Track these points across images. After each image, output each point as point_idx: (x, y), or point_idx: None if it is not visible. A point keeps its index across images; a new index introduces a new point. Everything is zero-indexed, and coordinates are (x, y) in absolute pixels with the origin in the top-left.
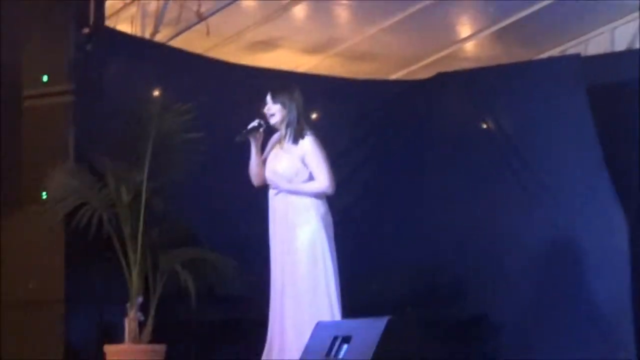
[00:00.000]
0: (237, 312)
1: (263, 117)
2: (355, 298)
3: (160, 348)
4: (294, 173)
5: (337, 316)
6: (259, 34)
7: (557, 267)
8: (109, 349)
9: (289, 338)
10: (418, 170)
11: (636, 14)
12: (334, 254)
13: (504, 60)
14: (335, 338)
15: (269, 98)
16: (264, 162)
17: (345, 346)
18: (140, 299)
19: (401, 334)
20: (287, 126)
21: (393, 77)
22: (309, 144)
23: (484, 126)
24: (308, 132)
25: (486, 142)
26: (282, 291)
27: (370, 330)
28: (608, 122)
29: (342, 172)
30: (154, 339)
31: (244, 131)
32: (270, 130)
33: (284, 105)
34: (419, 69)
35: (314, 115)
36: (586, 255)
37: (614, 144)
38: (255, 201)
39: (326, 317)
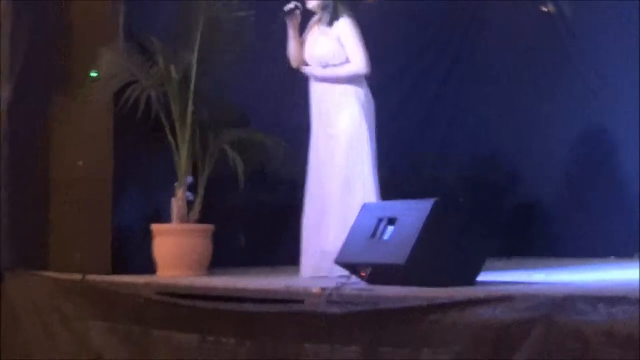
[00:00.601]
0: (285, 196)
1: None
2: (407, 182)
3: (208, 228)
4: (331, 55)
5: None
6: None
7: (615, 155)
8: (156, 227)
9: (332, 220)
10: (473, 56)
11: None
12: (374, 140)
13: None
14: (380, 219)
15: None
16: (302, 44)
17: (390, 227)
18: (189, 179)
19: (447, 217)
20: (324, 9)
21: None
22: (343, 25)
23: (544, 9)
24: (344, 14)
25: (545, 28)
26: (322, 175)
27: (415, 212)
28: None
29: (399, 60)
30: (202, 219)
31: (280, 14)
32: (309, 13)
33: None
34: None
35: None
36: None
37: None
38: (305, 84)
39: (358, 202)
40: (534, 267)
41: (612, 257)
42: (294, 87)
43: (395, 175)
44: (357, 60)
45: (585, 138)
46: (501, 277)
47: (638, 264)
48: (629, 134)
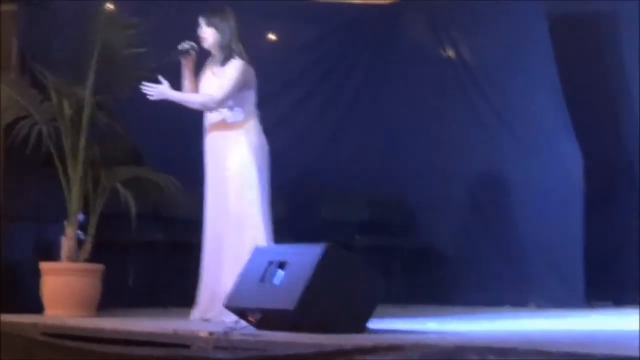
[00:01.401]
0: (178, 234)
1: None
2: (304, 222)
3: (97, 268)
4: None
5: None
6: None
7: (509, 200)
8: (44, 265)
9: (227, 263)
10: (374, 96)
11: None
12: (265, 184)
13: None
14: (271, 263)
15: (201, 20)
16: (197, 84)
17: (280, 272)
18: (80, 217)
19: (339, 262)
20: (220, 50)
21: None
22: (231, 66)
23: (444, 54)
24: (236, 56)
25: (445, 71)
26: (217, 214)
27: (307, 256)
28: (569, 56)
29: (297, 93)
30: (93, 258)
31: (173, 52)
32: (205, 53)
33: (216, 28)
34: None
35: (272, 37)
36: (540, 191)
37: (575, 79)
38: (200, 122)
39: (250, 244)
40: (428, 315)
41: (507, 305)
42: (189, 124)
43: (291, 215)
44: (215, 94)
45: (483, 184)
46: (394, 325)
47: (531, 312)
48: (525, 182)
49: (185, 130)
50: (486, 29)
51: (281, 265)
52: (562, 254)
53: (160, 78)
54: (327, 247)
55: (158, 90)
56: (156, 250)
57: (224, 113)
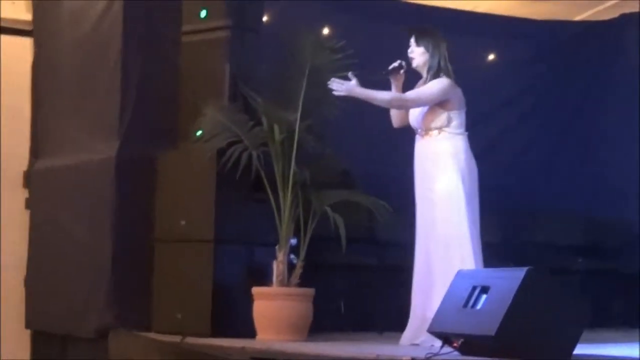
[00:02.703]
0: (391, 258)
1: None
2: (521, 247)
3: (309, 292)
4: (431, 119)
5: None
6: None
7: None
8: (256, 290)
9: (436, 287)
10: (594, 116)
11: None
12: (474, 207)
13: None
14: (474, 288)
15: (412, 40)
16: None
17: (483, 296)
18: (293, 241)
19: (541, 286)
20: (429, 70)
21: (576, 18)
22: (434, 81)
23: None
24: (443, 75)
25: None
26: (425, 237)
27: (508, 281)
28: None
29: (513, 114)
30: (303, 283)
31: (384, 71)
32: (414, 72)
33: (426, 48)
34: (603, 10)
35: (490, 57)
36: None
37: None
38: (411, 144)
39: (458, 267)
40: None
41: None
42: (399, 146)
43: (509, 238)
44: (411, 93)
45: None
46: (609, 351)
47: None
48: None
49: (395, 152)
50: None
51: (484, 290)
52: None
53: (350, 75)
54: (528, 272)
55: (346, 86)
56: (368, 274)
57: (432, 134)
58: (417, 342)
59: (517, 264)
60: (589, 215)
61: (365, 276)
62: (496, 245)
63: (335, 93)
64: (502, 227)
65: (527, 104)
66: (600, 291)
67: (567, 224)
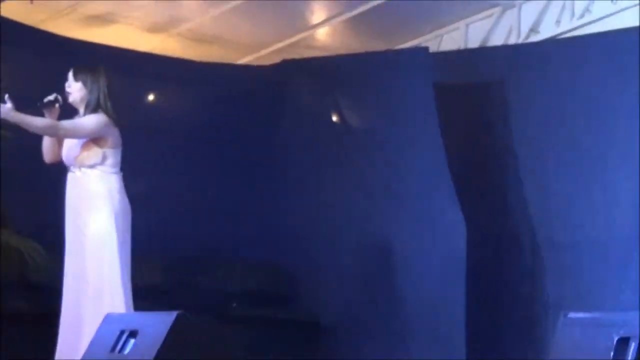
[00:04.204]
0: (45, 306)
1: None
2: (180, 292)
3: None
4: (85, 155)
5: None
6: (95, 7)
7: (393, 270)
8: None
9: (86, 336)
10: (257, 162)
11: (491, 11)
12: (127, 251)
13: (356, 51)
14: (122, 332)
15: (70, 75)
16: (60, 140)
17: (132, 341)
18: None
19: (191, 331)
20: (86, 107)
21: (240, 62)
22: (90, 116)
23: (331, 118)
24: (101, 111)
25: (332, 136)
26: (75, 280)
27: (157, 325)
28: (456, 121)
29: (178, 158)
30: None
31: (39, 103)
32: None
33: (85, 84)
34: (267, 55)
35: (151, 97)
36: (422, 260)
37: (460, 144)
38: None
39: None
40: None
41: None
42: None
43: (169, 284)
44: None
45: (367, 252)
46: None
47: None
48: (409, 251)
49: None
50: (372, 93)
51: (133, 334)
52: (445, 326)
53: (7, 98)
54: (178, 316)
55: (2, 110)
56: (18, 322)
57: (85, 171)
58: None
59: (184, 309)
60: (252, 262)
61: (17, 323)
62: (158, 289)
63: None
64: (164, 272)
65: (192, 146)
66: (260, 338)
67: (229, 270)
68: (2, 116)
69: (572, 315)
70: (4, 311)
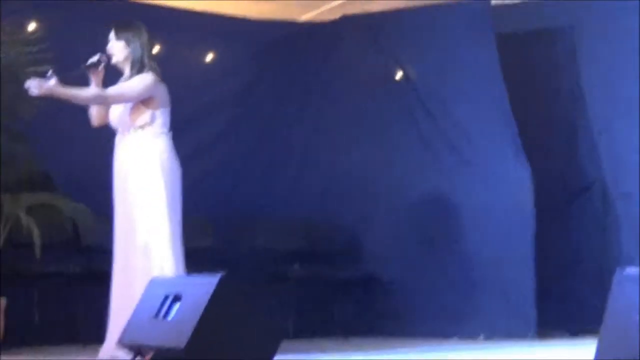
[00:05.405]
0: (96, 265)
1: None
2: (238, 252)
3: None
4: (134, 117)
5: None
6: None
7: (458, 226)
8: None
9: (136, 296)
10: (315, 119)
11: None
12: (176, 209)
13: (417, 5)
14: (166, 297)
15: (112, 34)
16: None
17: (176, 305)
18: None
19: (237, 294)
20: (132, 67)
21: (299, 19)
22: (136, 77)
23: (392, 74)
24: (147, 71)
25: (390, 91)
26: (125, 242)
27: (201, 289)
28: (517, 73)
29: (227, 115)
30: None
31: (82, 65)
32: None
33: (127, 42)
34: (326, 12)
35: (209, 56)
36: (489, 217)
37: (525, 95)
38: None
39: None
40: (369, 349)
41: (456, 337)
42: (104, 147)
43: (224, 244)
44: (112, 89)
45: (429, 210)
46: None
47: (481, 345)
48: (473, 207)
49: (101, 154)
50: (432, 48)
51: (177, 299)
52: (513, 282)
53: (50, 73)
54: (221, 279)
55: (45, 86)
56: (72, 282)
57: (134, 133)
58: (117, 354)
59: (233, 270)
60: (309, 221)
61: (68, 284)
62: (211, 250)
63: (31, 93)
64: (217, 232)
65: (245, 106)
66: (319, 298)
67: (285, 229)
68: (47, 92)
69: (628, 270)
70: (57, 273)
